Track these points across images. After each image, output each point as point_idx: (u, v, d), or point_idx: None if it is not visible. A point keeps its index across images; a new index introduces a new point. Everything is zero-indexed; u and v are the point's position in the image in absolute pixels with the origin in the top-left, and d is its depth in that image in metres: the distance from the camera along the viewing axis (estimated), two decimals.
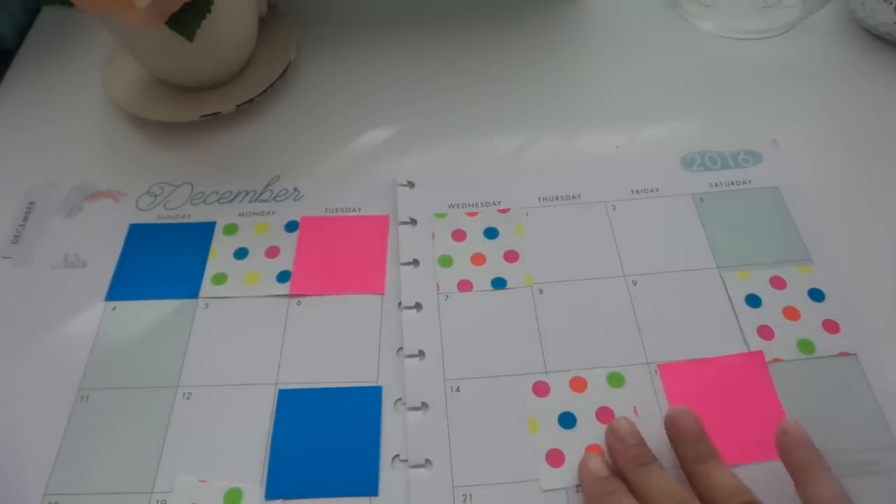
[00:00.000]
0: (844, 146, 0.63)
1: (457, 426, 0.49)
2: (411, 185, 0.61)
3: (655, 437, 0.47)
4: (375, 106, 0.68)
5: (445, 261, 0.57)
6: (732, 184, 0.60)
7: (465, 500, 0.46)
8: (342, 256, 0.57)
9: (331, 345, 0.53)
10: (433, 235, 0.58)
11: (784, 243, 0.57)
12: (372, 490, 0.47)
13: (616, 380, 0.50)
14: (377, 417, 0.50)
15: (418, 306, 0.54)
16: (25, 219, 0.60)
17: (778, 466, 0.45)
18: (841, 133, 0.64)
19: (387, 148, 0.64)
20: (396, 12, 0.75)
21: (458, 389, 0.51)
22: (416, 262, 0.56)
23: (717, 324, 0.53)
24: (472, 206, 0.60)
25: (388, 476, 0.48)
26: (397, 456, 0.48)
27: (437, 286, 0.55)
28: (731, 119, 0.65)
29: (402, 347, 0.53)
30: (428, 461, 0.48)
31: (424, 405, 0.50)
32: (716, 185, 0.60)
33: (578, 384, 0.50)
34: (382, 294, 0.55)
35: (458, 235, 0.58)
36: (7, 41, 0.74)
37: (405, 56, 0.72)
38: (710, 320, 0.53)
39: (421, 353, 0.52)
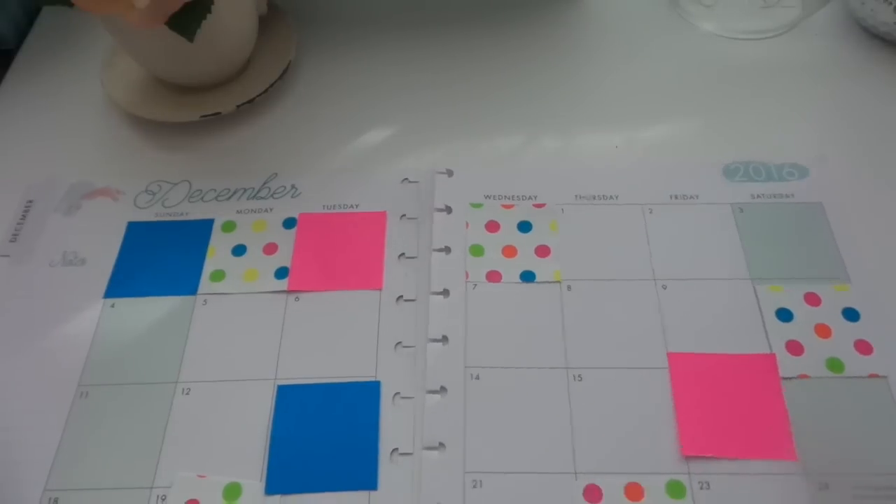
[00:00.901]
0: (843, 144, 0.63)
1: (473, 412, 0.50)
2: (450, 173, 0.61)
3: (665, 435, 0.48)
4: (375, 106, 0.68)
5: (477, 250, 0.57)
6: (775, 196, 0.59)
7: (474, 486, 0.47)
8: (340, 253, 0.57)
9: (329, 340, 0.53)
10: (467, 224, 0.58)
11: (822, 260, 0.56)
12: (371, 484, 0.47)
13: (676, 490, 0.48)
14: (375, 412, 0.50)
15: (446, 292, 0.55)
16: (24, 217, 0.60)
17: (776, 466, 0.46)
18: (840, 131, 0.64)
19: (386, 147, 0.64)
20: (397, 13, 0.76)
21: (477, 377, 0.51)
22: (447, 249, 0.57)
23: (745, 334, 0.52)
24: (509, 198, 0.60)
25: (387, 470, 0.48)
26: (396, 450, 0.48)
27: (466, 274, 0.56)
28: (731, 120, 0.65)
29: (400, 342, 0.53)
30: (441, 444, 0.48)
31: (443, 389, 0.50)
32: (758, 196, 0.59)
33: (634, 491, 0.48)
34: (380, 289, 0.55)
35: (492, 226, 0.58)
36: (7, 41, 0.74)
37: (405, 56, 0.72)
38: (738, 330, 0.53)
39: (444, 339, 0.52)
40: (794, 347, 0.52)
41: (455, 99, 0.68)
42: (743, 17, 0.72)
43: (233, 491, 0.47)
